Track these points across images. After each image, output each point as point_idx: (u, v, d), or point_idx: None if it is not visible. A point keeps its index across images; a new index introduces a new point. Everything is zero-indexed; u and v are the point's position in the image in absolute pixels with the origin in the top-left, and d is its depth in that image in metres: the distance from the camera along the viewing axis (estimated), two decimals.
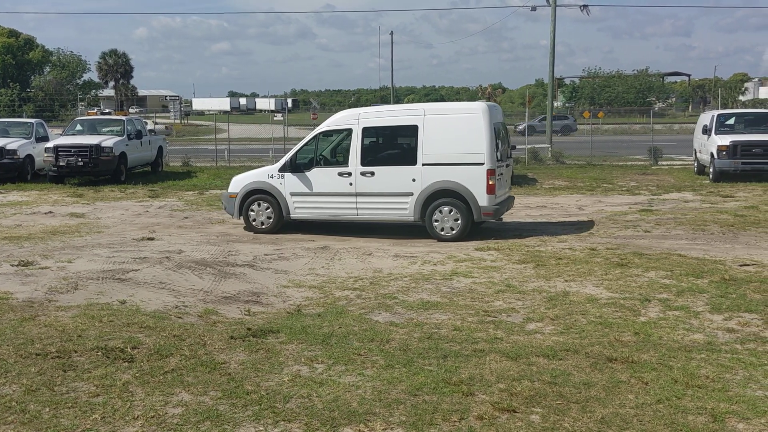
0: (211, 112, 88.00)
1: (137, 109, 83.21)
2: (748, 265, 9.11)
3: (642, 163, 26.78)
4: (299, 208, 12.31)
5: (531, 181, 20.67)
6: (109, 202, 17.03)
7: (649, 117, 46.67)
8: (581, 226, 12.55)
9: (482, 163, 11.33)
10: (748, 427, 4.55)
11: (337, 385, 5.26)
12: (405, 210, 11.71)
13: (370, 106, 35.38)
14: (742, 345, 6.12)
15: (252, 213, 12.56)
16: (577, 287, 8.14)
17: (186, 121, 70.27)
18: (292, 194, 12.25)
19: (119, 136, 21.59)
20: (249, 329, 6.59)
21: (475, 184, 11.35)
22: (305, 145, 12.41)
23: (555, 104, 69.96)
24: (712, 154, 19.71)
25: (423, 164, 11.54)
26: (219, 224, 13.63)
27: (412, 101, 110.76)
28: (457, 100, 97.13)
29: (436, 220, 11.58)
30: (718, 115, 21.37)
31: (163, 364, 5.66)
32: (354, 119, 12.10)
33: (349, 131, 12.03)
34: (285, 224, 12.46)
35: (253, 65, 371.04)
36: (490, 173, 11.34)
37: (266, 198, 12.42)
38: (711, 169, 19.92)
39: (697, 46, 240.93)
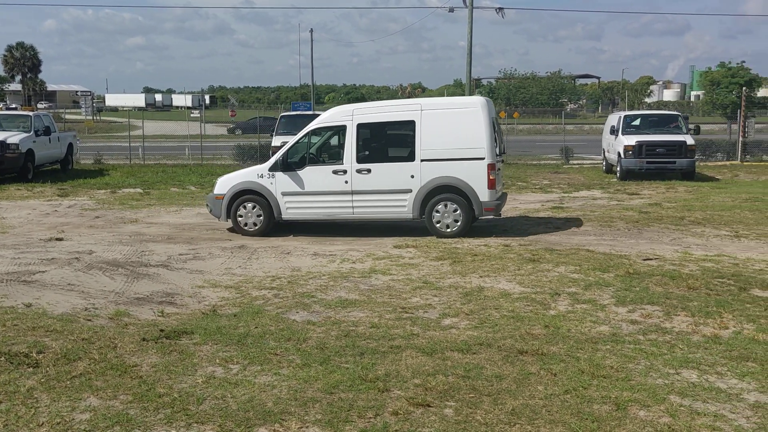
0: (125, 109, 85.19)
1: (46, 105, 79.73)
2: (651, 259, 9.57)
3: (554, 162, 27.67)
4: (291, 209, 11.91)
5: None
6: (15, 201, 16.26)
7: (561, 118, 48.22)
8: (496, 223, 12.85)
9: (483, 158, 11.24)
10: (648, 414, 4.78)
11: (253, 385, 5.21)
12: (403, 207, 11.52)
13: (293, 103, 35.14)
14: (644, 336, 6.42)
15: (241, 215, 12.05)
16: (492, 282, 8.35)
17: (99, 118, 67.77)
18: (284, 194, 11.86)
19: (26, 132, 20.67)
20: (162, 331, 6.44)
21: (476, 179, 11.25)
22: (296, 142, 12.03)
23: None
24: (619, 154, 20.57)
25: (422, 160, 11.36)
26: (132, 224, 13.24)
27: (333, 99, 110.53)
28: (378, 98, 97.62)
29: (437, 218, 11.44)
30: (625, 116, 22.31)
31: (71, 369, 5.46)
32: (347, 116, 11.81)
33: (343, 128, 11.75)
34: (275, 225, 12.06)
35: (169, 61, 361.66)
36: (491, 168, 11.28)
37: (256, 199, 11.96)
38: (618, 168, 20.79)
39: (607, 50, 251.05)
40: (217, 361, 5.72)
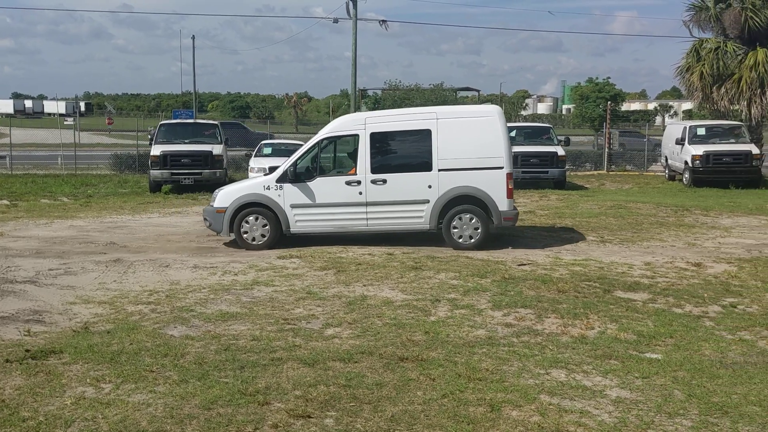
0: None
1: None
2: (525, 264, 10.01)
3: None
4: (301, 222, 11.41)
5: None
6: None
7: None
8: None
9: (501, 167, 11.11)
10: (520, 413, 4.99)
11: (126, 404, 5.01)
12: (420, 218, 11.25)
13: (174, 111, 34.02)
14: (517, 338, 6.70)
15: (245, 228, 11.43)
16: (375, 291, 8.45)
17: None
18: (293, 206, 11.34)
19: None
20: (27, 351, 6.07)
21: (495, 188, 11.08)
22: (306, 153, 11.55)
23: None
24: None
25: (439, 170, 11.13)
26: None
27: (216, 107, 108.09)
28: (264, 107, 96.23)
29: (455, 228, 11.22)
30: None
31: None
32: (360, 124, 11.44)
33: (356, 137, 11.38)
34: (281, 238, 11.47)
35: (41, 65, 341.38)
36: (509, 177, 11.18)
37: (262, 211, 11.39)
38: None
39: (486, 64, 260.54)
40: (88, 380, 5.46)
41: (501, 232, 11.87)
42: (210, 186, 19.90)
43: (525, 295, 8.18)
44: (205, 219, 12.02)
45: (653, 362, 6.02)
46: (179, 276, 9.34)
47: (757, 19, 22.34)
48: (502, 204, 11.14)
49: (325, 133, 11.74)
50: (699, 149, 21.87)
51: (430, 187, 11.15)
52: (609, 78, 53.66)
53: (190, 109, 51.68)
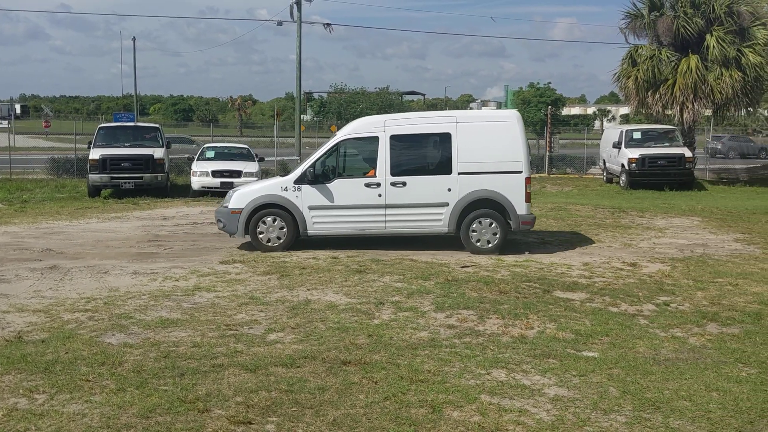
0: None
1: None
2: (468, 266, 10.14)
3: None
4: (319, 223, 11.36)
5: None
6: None
7: None
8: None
9: (520, 171, 11.20)
10: (461, 414, 5.06)
11: (60, 415, 4.88)
12: (439, 221, 11.28)
13: (115, 114, 33.19)
14: (459, 339, 6.79)
15: (261, 230, 11.37)
16: (319, 295, 8.43)
17: None
18: (311, 208, 11.28)
19: None
20: None
21: (514, 192, 11.15)
22: (325, 154, 11.49)
23: (305, 118, 71.65)
24: None
25: (459, 173, 11.18)
26: None
27: (159, 110, 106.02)
28: (207, 110, 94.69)
29: (474, 231, 11.26)
30: None
31: None
32: (379, 126, 11.43)
33: (375, 139, 11.34)
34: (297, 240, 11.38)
35: None
36: (528, 181, 11.27)
37: (279, 213, 11.34)
38: None
39: (431, 68, 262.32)
40: (21, 391, 5.30)
41: (439, 238, 11.98)
42: (151, 190, 19.65)
43: (467, 297, 8.29)
44: (218, 220, 11.88)
45: (590, 360, 6.18)
46: (118, 282, 9.14)
47: (689, 28, 23.16)
48: (521, 208, 11.25)
49: (343, 135, 11.73)
50: (635, 152, 22.55)
51: (449, 190, 11.24)
52: (550, 83, 54.90)
53: (132, 112, 50.59)
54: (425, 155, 11.86)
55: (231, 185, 19.30)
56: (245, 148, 22.50)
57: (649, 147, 23.04)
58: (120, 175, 19.39)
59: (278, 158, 27.67)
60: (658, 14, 24.25)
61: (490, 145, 11.28)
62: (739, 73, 22.72)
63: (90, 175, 19.72)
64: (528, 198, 11.33)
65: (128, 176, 19.39)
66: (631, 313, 7.79)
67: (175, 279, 9.34)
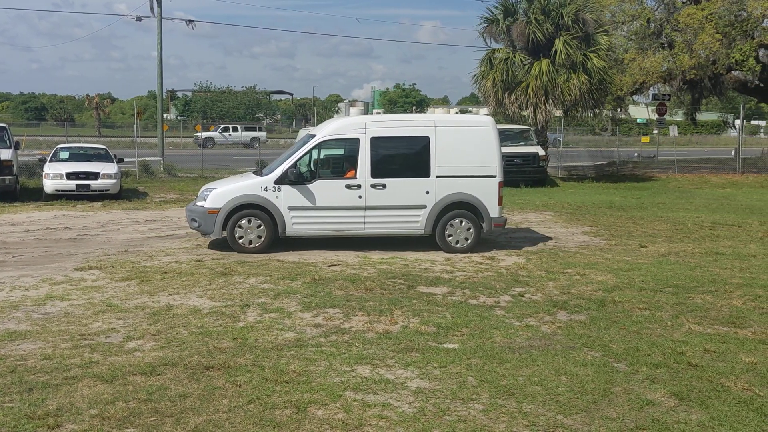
0: None
1: None
2: (335, 265, 10.22)
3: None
4: (298, 224, 11.24)
5: (142, 195, 20.14)
6: None
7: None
8: (189, 239, 12.64)
9: (494, 176, 11.47)
10: (326, 412, 5.10)
11: None
12: (416, 223, 11.37)
13: None
14: (325, 338, 6.84)
15: (239, 231, 11.13)
16: (182, 300, 8.20)
17: None
18: (291, 208, 11.17)
19: None
20: None
21: (488, 196, 11.42)
22: (305, 155, 11.39)
23: (168, 117, 69.16)
24: None
25: (437, 176, 11.29)
26: None
27: (8, 109, 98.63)
28: (62, 109, 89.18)
29: (449, 233, 11.39)
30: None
31: None
32: (360, 128, 11.36)
33: (356, 140, 11.28)
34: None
35: None
36: (500, 185, 11.52)
37: (258, 213, 11.13)
38: None
39: (300, 68, 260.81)
40: None
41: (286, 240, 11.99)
42: None
43: (334, 296, 8.36)
44: (192, 220, 11.53)
45: (450, 352, 6.43)
46: None
47: (539, 33, 24.52)
48: (494, 211, 11.59)
49: (324, 135, 11.59)
50: None
51: (427, 192, 11.41)
52: (415, 84, 56.58)
53: None
54: (404, 158, 11.92)
55: (87, 188, 18.42)
56: (102, 149, 21.39)
57: (506, 146, 24.09)
58: None
59: (139, 159, 26.52)
60: (512, 20, 25.47)
61: (467, 150, 11.53)
62: (585, 76, 24.31)
63: None
64: (500, 201, 11.73)
65: None
66: (489, 304, 8.17)
67: (24, 288, 8.76)
